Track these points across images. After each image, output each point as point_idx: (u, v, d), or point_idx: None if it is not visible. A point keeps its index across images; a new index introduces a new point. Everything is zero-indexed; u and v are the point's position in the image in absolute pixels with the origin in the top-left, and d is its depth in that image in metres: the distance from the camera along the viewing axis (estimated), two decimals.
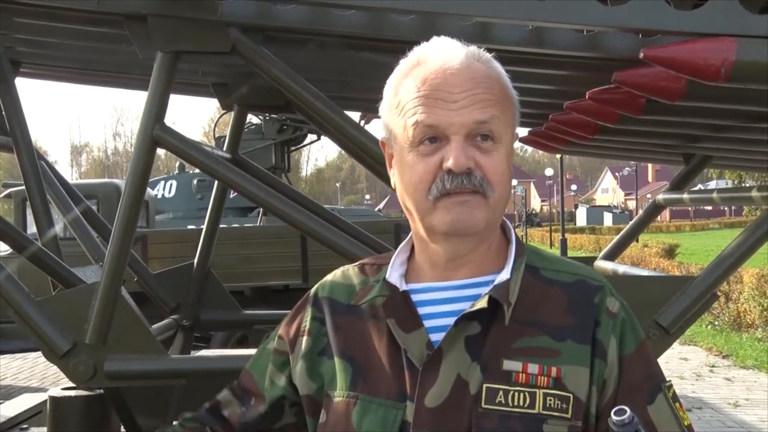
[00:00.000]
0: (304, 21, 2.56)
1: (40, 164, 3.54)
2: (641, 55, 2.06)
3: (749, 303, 11.47)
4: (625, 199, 76.16)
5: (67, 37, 3.27)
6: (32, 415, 3.42)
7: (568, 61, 2.65)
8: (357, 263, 1.40)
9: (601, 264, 3.99)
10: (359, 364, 1.26)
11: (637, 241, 23.44)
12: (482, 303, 1.19)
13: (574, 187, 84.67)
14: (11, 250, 3.30)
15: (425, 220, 1.22)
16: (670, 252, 21.42)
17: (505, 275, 1.24)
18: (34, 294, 2.81)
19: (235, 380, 1.45)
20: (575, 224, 56.25)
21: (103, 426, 3.04)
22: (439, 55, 1.23)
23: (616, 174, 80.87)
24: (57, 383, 2.91)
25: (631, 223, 4.42)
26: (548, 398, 1.17)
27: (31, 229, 7.21)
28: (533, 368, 1.18)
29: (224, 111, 4.53)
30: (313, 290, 1.40)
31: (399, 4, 2.30)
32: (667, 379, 1.27)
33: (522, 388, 1.17)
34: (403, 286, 1.26)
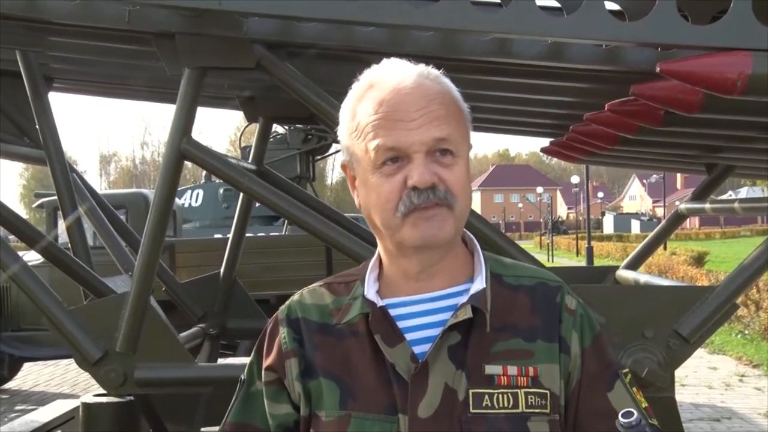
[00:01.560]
0: (325, 37, 2.61)
1: (72, 176, 3.62)
2: (658, 69, 2.08)
3: None
4: (653, 207, 75.02)
5: (98, 53, 3.33)
6: (65, 421, 3.47)
7: (587, 74, 2.68)
8: (321, 283, 1.40)
9: (623, 273, 3.98)
10: (345, 382, 1.27)
11: (665, 248, 22.98)
12: (466, 313, 1.24)
13: (601, 194, 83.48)
14: (42, 259, 3.36)
15: (395, 236, 1.25)
16: (698, 260, 20.93)
17: (479, 284, 1.28)
18: (63, 302, 2.87)
19: None
20: (602, 232, 55.53)
21: (132, 431, 3.10)
22: (392, 76, 1.25)
23: (644, 181, 79.52)
24: (88, 390, 2.95)
25: (653, 232, 4.38)
26: (529, 397, 1.23)
27: (62, 238, 7.33)
28: (512, 370, 1.23)
29: (249, 123, 4.57)
30: (282, 313, 1.38)
31: (420, 21, 2.33)
32: (622, 369, 1.34)
33: (505, 390, 1.22)
34: (380, 302, 1.28)
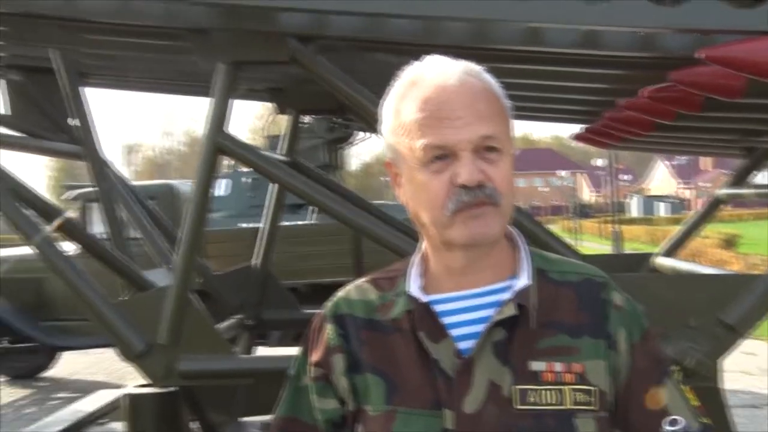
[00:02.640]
0: (357, 30, 2.61)
1: (110, 171, 3.67)
2: (701, 55, 2.06)
3: None
4: (678, 188, 73.99)
5: (131, 49, 3.36)
6: (109, 410, 3.53)
7: (620, 60, 2.66)
8: (366, 278, 1.40)
9: (661, 261, 3.95)
10: (391, 378, 1.28)
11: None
12: (511, 310, 1.24)
13: (626, 177, 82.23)
14: (77, 249, 3.40)
15: (443, 234, 1.25)
16: (729, 242, 20.44)
17: (524, 280, 1.28)
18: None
19: None
20: (628, 215, 54.90)
21: (176, 421, 3.13)
22: (435, 73, 1.25)
23: (669, 163, 78.44)
24: (123, 378, 3.01)
25: (690, 218, 4.34)
26: (575, 393, 1.22)
27: (93, 229, 7.41)
28: (558, 366, 1.23)
29: (278, 113, 4.60)
30: (328, 310, 1.39)
31: (452, 12, 2.34)
32: (672, 367, 1.33)
33: (550, 387, 1.22)
34: (424, 298, 1.28)
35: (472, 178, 1.20)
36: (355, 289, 1.39)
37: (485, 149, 1.22)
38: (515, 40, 2.49)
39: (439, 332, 1.26)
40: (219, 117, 2.75)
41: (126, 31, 2.95)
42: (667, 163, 79.15)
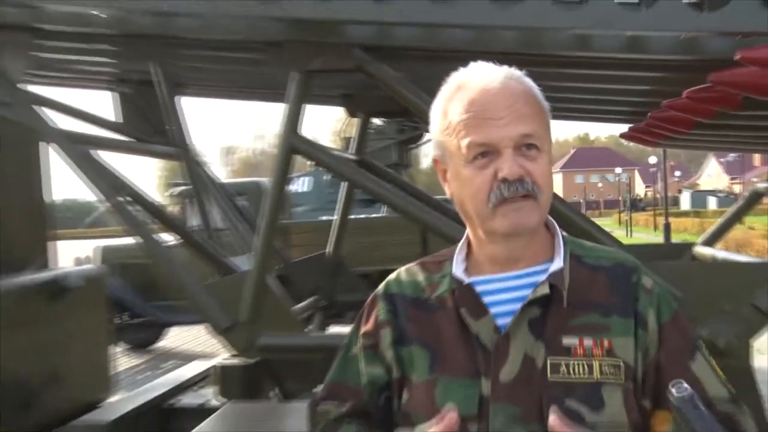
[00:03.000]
0: (417, 39, 2.59)
1: (201, 170, 3.74)
2: (738, 56, 2.00)
3: None
4: (730, 183, 71.34)
5: (218, 62, 3.43)
6: (203, 377, 3.61)
7: (664, 63, 2.56)
8: (416, 262, 1.41)
9: (701, 250, 3.84)
10: (434, 349, 1.28)
11: (742, 223, 21.84)
12: (544, 290, 1.23)
13: (678, 173, 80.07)
14: (174, 240, 3.48)
15: (486, 224, 1.25)
16: None
17: (558, 264, 1.27)
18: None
19: (326, 405, 1.40)
20: (679, 208, 53.42)
21: (258, 389, 3.19)
22: (479, 77, 1.24)
23: (721, 160, 75.90)
24: (217, 349, 3.07)
25: (731, 209, 4.24)
26: (603, 366, 1.21)
27: (191, 222, 7.60)
28: (588, 342, 1.22)
29: (350, 118, 4.62)
30: (381, 289, 1.40)
31: (505, 21, 2.31)
32: (699, 341, 1.32)
33: (581, 360, 1.21)
34: (467, 280, 1.28)
35: (513, 172, 1.19)
36: (405, 271, 1.40)
37: (525, 146, 1.21)
38: (563, 46, 2.44)
39: (480, 310, 1.26)
40: (293, 120, 2.77)
41: (213, 46, 3.00)
42: (719, 160, 76.77)
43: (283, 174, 2.80)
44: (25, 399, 3.41)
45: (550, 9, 2.19)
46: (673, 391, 0.96)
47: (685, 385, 0.98)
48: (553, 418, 1.14)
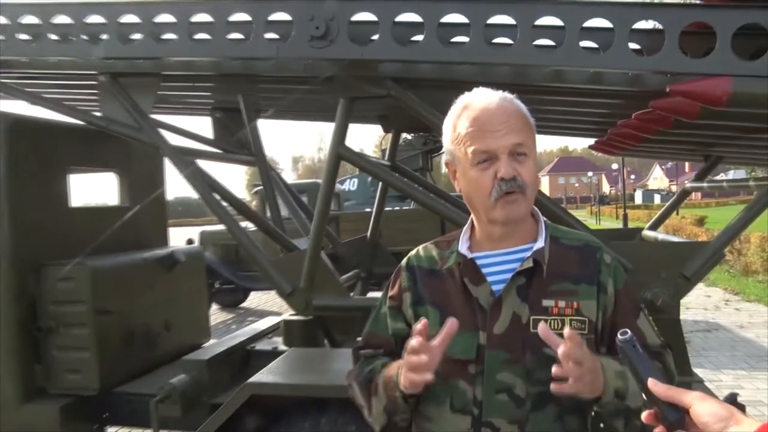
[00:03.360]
0: (434, 72, 2.55)
1: (272, 173, 3.74)
2: (668, 89, 2.02)
3: (754, 256, 11.36)
4: (669, 184, 70.26)
5: (286, 93, 3.41)
6: (274, 329, 3.64)
7: (619, 92, 2.53)
8: (432, 241, 1.41)
9: (647, 233, 3.80)
10: (444, 309, 1.27)
11: (677, 213, 21.75)
12: (529, 263, 1.23)
13: (633, 176, 79.74)
14: (253, 227, 3.50)
15: (489, 213, 1.24)
16: (700, 222, 19.69)
17: (540, 244, 1.26)
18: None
19: (364, 351, 1.41)
20: (634, 203, 52.67)
21: (314, 339, 3.20)
22: (481, 99, 1.24)
23: (663, 167, 76.11)
24: (287, 310, 3.08)
25: (668, 203, 4.22)
26: (573, 322, 1.21)
27: (265, 213, 7.64)
28: (562, 303, 1.22)
29: (386, 133, 4.58)
30: (404, 262, 1.40)
31: (499, 59, 2.27)
32: (642, 304, 1.34)
33: (556, 317, 1.21)
34: (470, 255, 1.28)
35: (508, 173, 1.18)
36: (423, 248, 1.40)
37: (517, 153, 1.21)
38: (544, 78, 2.40)
39: (479, 278, 1.25)
40: (340, 135, 2.75)
41: (283, 80, 3.00)
42: (662, 166, 76.56)
43: (333, 176, 2.78)
44: (150, 341, 3.48)
45: (534, 50, 2.16)
46: (619, 335, 0.96)
47: (629, 331, 0.96)
48: (542, 326, 1.11)
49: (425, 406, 1.28)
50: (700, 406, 0.79)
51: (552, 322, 1.20)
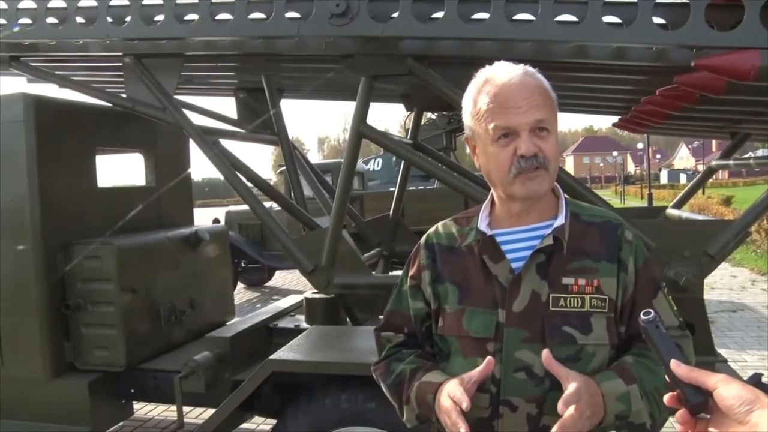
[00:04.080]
0: (456, 50, 2.51)
1: (295, 153, 3.75)
2: (693, 64, 1.96)
3: None
4: (696, 164, 68.61)
5: (308, 72, 3.41)
6: (296, 307, 3.68)
7: (643, 68, 2.46)
8: (451, 218, 1.37)
9: (671, 211, 3.73)
10: (463, 286, 1.25)
11: (703, 193, 21.31)
12: (549, 240, 1.20)
13: (658, 156, 78.34)
14: (279, 207, 3.52)
15: (507, 189, 1.21)
16: (727, 201, 19.22)
17: (561, 221, 1.23)
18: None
19: (386, 331, 1.40)
20: (659, 183, 51.71)
21: (335, 317, 3.22)
22: (502, 74, 1.20)
23: (689, 146, 74.25)
24: (309, 288, 3.11)
25: (693, 181, 4.10)
26: (592, 300, 1.18)
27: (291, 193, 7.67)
28: (582, 281, 1.19)
29: (409, 112, 4.53)
30: (423, 240, 1.38)
31: (521, 35, 2.23)
32: (662, 284, 1.33)
33: (575, 295, 1.18)
34: (489, 232, 1.26)
35: (529, 149, 1.15)
36: (442, 225, 1.38)
37: (538, 129, 1.17)
38: (567, 55, 2.34)
39: (499, 256, 1.23)
40: (362, 113, 2.72)
41: (305, 59, 2.97)
42: (688, 146, 74.78)
43: (354, 155, 2.76)
44: (177, 317, 3.56)
45: (555, 26, 2.10)
46: (642, 315, 0.93)
47: (652, 311, 0.93)
48: (545, 354, 1.10)
49: None
50: (724, 389, 0.76)
51: (572, 300, 1.18)
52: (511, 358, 1.18)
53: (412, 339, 1.37)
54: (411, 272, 1.37)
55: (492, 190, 1.30)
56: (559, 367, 1.10)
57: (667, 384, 0.86)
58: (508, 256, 1.23)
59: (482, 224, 1.27)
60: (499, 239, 1.25)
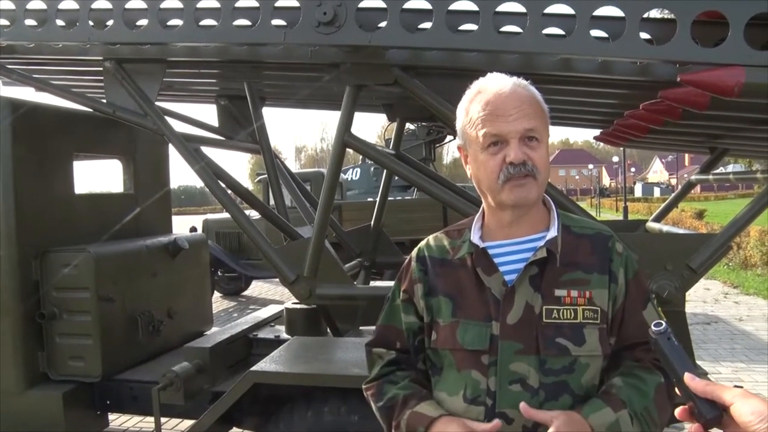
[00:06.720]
0: (442, 60, 2.50)
1: (276, 162, 3.70)
2: (678, 79, 1.97)
3: (753, 250, 11.34)
4: (669, 178, 70.31)
5: (291, 80, 3.37)
6: (276, 317, 3.61)
7: (626, 83, 2.48)
8: (442, 231, 1.38)
9: (652, 225, 3.78)
10: (457, 299, 1.25)
11: (677, 207, 21.74)
12: (542, 253, 1.21)
13: (633, 169, 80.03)
14: (258, 216, 3.47)
15: (496, 197, 1.21)
16: (699, 215, 19.84)
17: (553, 233, 1.23)
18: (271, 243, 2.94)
19: (378, 346, 1.38)
20: (634, 196, 52.77)
21: (316, 328, 3.17)
22: (494, 84, 1.22)
23: (663, 160, 76.34)
24: (289, 298, 3.06)
25: (672, 195, 4.21)
26: (585, 311, 1.19)
27: (270, 201, 7.60)
28: (574, 293, 1.19)
29: (390, 122, 4.53)
30: (414, 253, 1.37)
31: (508, 47, 2.22)
32: (652, 295, 1.35)
33: (568, 307, 1.19)
34: (481, 244, 1.26)
35: (518, 157, 1.16)
36: (433, 238, 1.37)
37: (528, 138, 1.18)
38: (552, 67, 2.36)
39: (492, 268, 1.23)
40: (346, 122, 2.70)
41: (288, 68, 2.94)
42: (661, 160, 76.85)
43: (338, 164, 2.74)
44: (155, 327, 3.47)
45: (543, 39, 2.11)
46: (653, 327, 0.92)
47: (663, 323, 0.93)
48: (522, 406, 1.10)
49: (439, 396, 1.26)
50: (741, 404, 0.75)
51: (565, 311, 1.18)
52: (506, 370, 1.17)
53: (404, 356, 1.35)
54: (403, 286, 1.36)
55: (483, 202, 1.30)
56: (537, 413, 1.10)
57: (675, 395, 0.84)
58: (501, 268, 1.23)
59: (475, 237, 1.27)
60: (491, 252, 1.25)
